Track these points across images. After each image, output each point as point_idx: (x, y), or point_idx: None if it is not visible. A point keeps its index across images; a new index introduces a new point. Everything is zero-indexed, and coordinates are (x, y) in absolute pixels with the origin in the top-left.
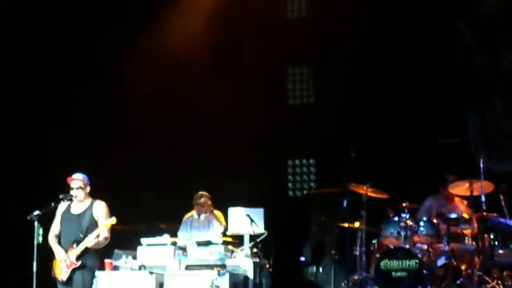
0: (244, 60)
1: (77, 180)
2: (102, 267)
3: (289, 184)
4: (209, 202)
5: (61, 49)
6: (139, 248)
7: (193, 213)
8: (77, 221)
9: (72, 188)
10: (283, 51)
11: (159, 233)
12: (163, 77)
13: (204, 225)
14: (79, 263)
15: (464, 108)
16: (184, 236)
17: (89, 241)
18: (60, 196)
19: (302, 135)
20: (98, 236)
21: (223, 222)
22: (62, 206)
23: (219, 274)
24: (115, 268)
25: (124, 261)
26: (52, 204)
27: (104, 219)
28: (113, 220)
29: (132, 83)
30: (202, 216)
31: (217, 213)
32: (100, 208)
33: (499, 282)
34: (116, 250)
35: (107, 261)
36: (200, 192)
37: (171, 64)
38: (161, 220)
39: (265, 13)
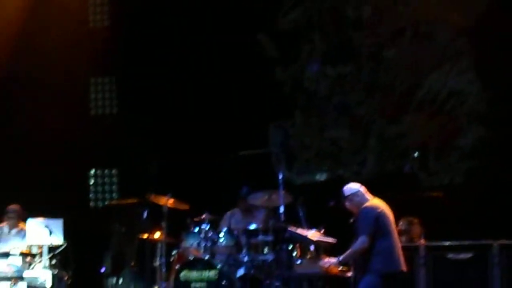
0: (48, 69)
1: None
2: None
3: (91, 195)
4: (20, 216)
5: None
6: None
7: (4, 225)
8: None
9: None
10: (87, 61)
11: None
12: None
13: (15, 238)
14: None
15: (265, 120)
16: None
17: None
18: None
19: (104, 145)
20: None
21: None
22: None
23: (16, 286)
24: None
25: None
26: None
27: None
28: None
29: None
30: (14, 231)
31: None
32: None
33: None
34: None
35: None
36: (13, 206)
37: None
38: None
39: (68, 22)
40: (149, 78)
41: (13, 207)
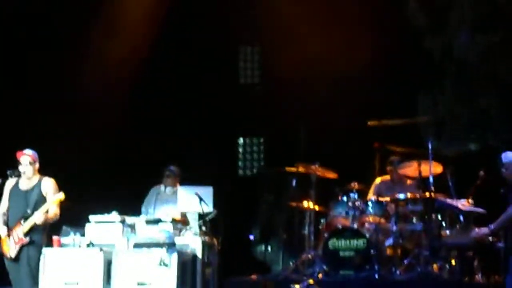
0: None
1: (27, 156)
2: (50, 244)
3: (239, 163)
4: (177, 177)
5: None
6: (87, 225)
7: (161, 185)
8: (24, 198)
9: (21, 164)
10: (234, 31)
11: (108, 210)
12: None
13: (170, 199)
14: (27, 239)
15: (415, 88)
16: (147, 210)
17: (38, 217)
18: (8, 172)
19: (252, 114)
20: (47, 212)
21: None
22: (10, 183)
23: (167, 252)
24: (63, 245)
25: (72, 238)
26: (0, 180)
27: (52, 195)
28: (62, 195)
29: (85, 61)
30: (168, 190)
31: None
32: (48, 185)
33: (446, 262)
34: (64, 227)
35: (54, 238)
36: (171, 167)
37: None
38: (110, 198)
39: None
40: (290, 48)
41: (171, 167)
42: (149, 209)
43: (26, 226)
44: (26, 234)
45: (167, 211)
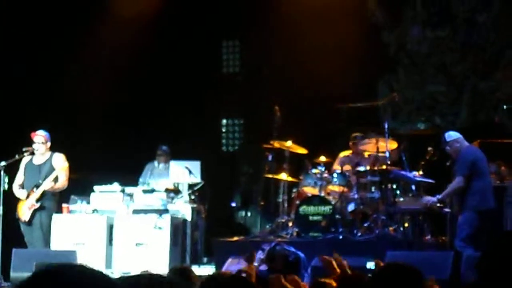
0: (187, 33)
1: (39, 136)
2: (60, 211)
3: (223, 141)
4: (168, 155)
5: None
6: (92, 194)
7: (155, 161)
8: (37, 170)
9: (35, 142)
10: (218, 27)
11: (110, 181)
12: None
13: (163, 173)
14: (38, 204)
15: (374, 77)
16: (143, 181)
17: (47, 184)
18: (24, 149)
19: (233, 99)
20: (55, 179)
21: None
22: (26, 158)
23: (162, 217)
24: (72, 211)
25: (79, 205)
26: (17, 156)
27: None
28: (66, 164)
29: (90, 43)
30: (161, 166)
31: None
32: (58, 159)
33: (400, 225)
34: (72, 196)
35: (64, 205)
36: (163, 146)
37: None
38: (112, 170)
39: None
40: (267, 43)
41: (163, 147)
42: (146, 181)
43: (37, 193)
44: (37, 200)
45: (161, 183)
